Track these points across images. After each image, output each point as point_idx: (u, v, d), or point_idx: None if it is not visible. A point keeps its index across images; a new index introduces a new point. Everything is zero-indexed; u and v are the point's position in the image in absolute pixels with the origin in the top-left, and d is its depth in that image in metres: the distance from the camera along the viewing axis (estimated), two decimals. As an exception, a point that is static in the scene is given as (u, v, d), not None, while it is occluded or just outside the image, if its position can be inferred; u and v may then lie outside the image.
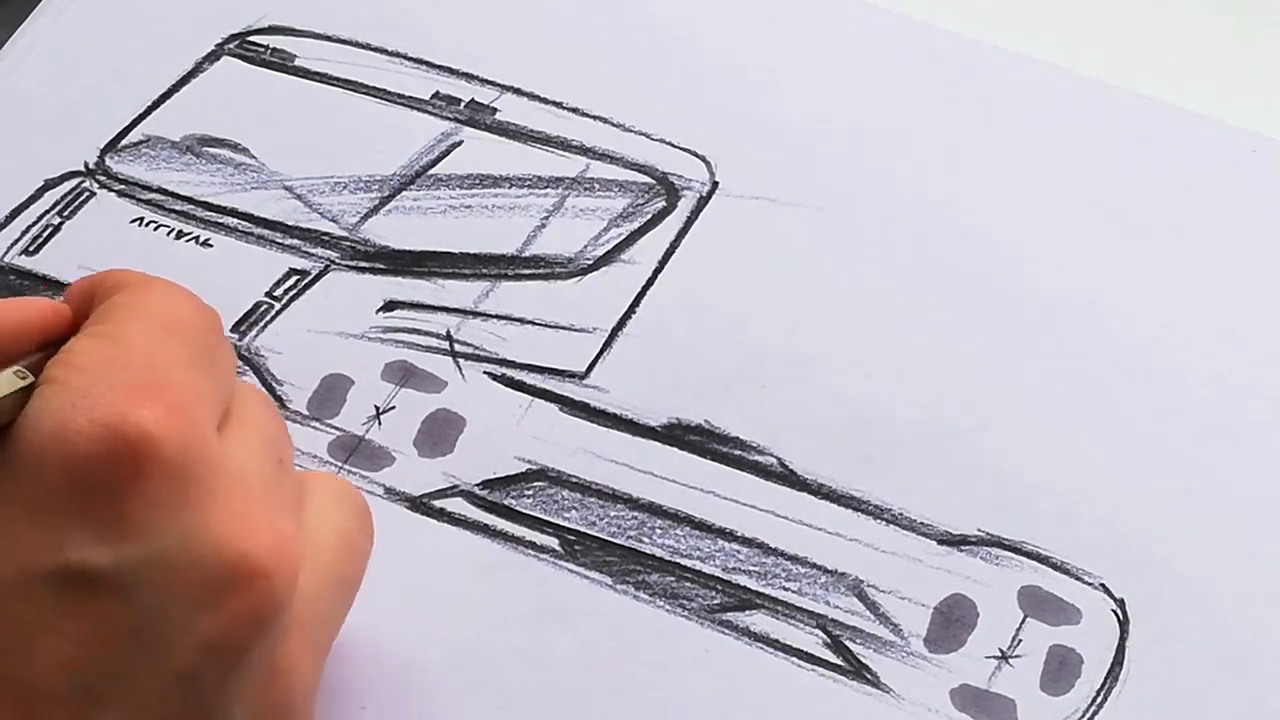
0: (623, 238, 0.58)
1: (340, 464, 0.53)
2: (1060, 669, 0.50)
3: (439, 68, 0.61)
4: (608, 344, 0.56)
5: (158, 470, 0.41)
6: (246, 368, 0.55)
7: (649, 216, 0.58)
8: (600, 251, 0.58)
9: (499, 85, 0.61)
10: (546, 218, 0.58)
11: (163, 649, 0.41)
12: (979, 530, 0.52)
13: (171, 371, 0.43)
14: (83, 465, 0.41)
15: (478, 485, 0.53)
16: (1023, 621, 0.51)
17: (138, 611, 0.41)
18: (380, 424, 0.54)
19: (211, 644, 0.42)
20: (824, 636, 0.51)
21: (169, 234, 0.58)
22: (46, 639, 0.41)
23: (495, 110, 0.61)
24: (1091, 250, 0.58)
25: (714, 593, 0.52)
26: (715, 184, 0.59)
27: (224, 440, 0.44)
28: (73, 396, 0.42)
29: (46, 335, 0.46)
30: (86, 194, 0.59)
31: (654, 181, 0.59)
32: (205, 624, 0.42)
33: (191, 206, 0.59)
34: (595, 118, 0.60)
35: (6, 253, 0.58)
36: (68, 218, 0.58)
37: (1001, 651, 0.51)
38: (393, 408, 0.54)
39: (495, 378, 0.55)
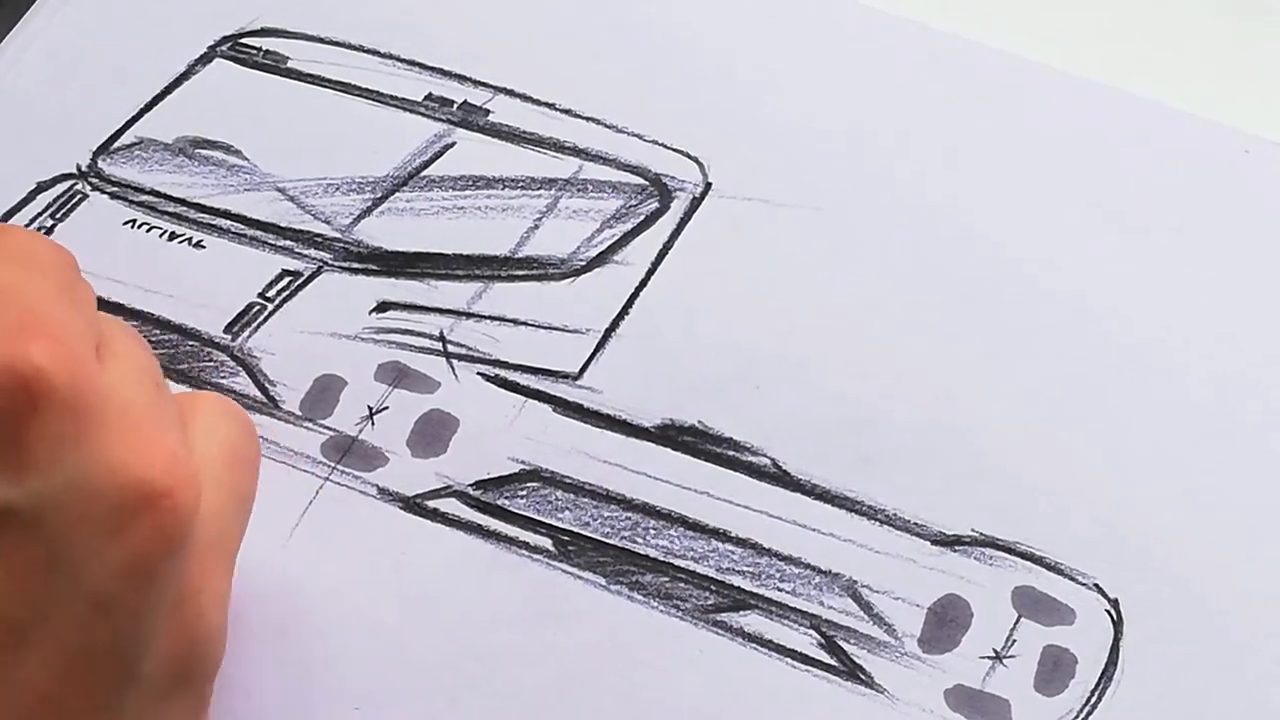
0: (616, 239, 0.58)
1: (334, 464, 0.53)
2: (1054, 669, 0.50)
3: (432, 69, 0.61)
4: (601, 345, 0.56)
5: (52, 404, 0.41)
6: (239, 368, 0.55)
7: (642, 218, 0.58)
8: (593, 253, 0.58)
9: (492, 87, 0.61)
10: (539, 219, 0.58)
11: (76, 578, 0.42)
12: (973, 531, 0.52)
13: (47, 308, 0.43)
14: None
15: (471, 486, 0.53)
16: (1017, 622, 0.51)
17: (48, 544, 0.42)
18: (373, 424, 0.54)
19: (123, 568, 0.42)
20: (818, 637, 0.51)
21: (161, 236, 0.58)
22: None
23: (488, 112, 0.60)
24: (1088, 251, 0.58)
25: (708, 593, 0.52)
26: (709, 185, 0.59)
27: (103, 371, 0.44)
28: None
29: None
30: (79, 196, 0.59)
31: (647, 183, 0.59)
32: (114, 549, 0.42)
33: (184, 208, 0.58)
34: (588, 119, 0.60)
35: (-1, 255, 0.57)
36: (60, 220, 0.58)
37: (996, 652, 0.51)
38: (386, 408, 0.54)
39: (488, 378, 0.55)
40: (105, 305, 0.56)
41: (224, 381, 0.55)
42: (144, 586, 0.43)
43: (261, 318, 0.56)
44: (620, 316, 0.56)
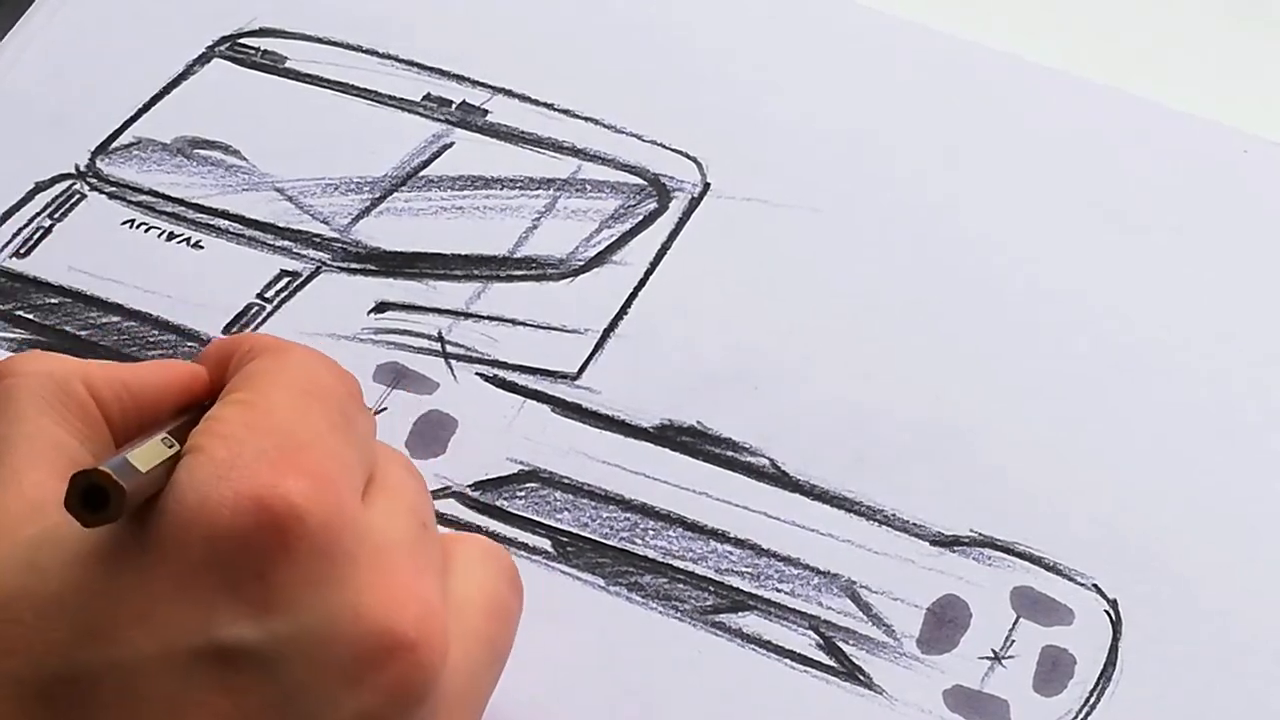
0: (614, 239, 0.58)
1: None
2: (1053, 670, 0.50)
3: (430, 70, 0.61)
4: (599, 345, 0.56)
5: (303, 544, 0.40)
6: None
7: (641, 218, 0.58)
8: (592, 253, 0.57)
9: (490, 87, 0.61)
10: (538, 219, 0.58)
11: None
12: (971, 531, 0.52)
13: (315, 440, 0.42)
14: (228, 540, 0.40)
15: (470, 486, 0.53)
16: (1015, 622, 0.51)
17: (284, 688, 0.40)
18: (372, 425, 0.54)
19: (358, 718, 0.41)
20: (817, 638, 0.51)
21: (160, 236, 0.58)
22: (192, 715, 0.40)
23: (486, 112, 0.60)
24: (1088, 251, 0.58)
25: (707, 594, 0.51)
26: (707, 185, 0.59)
27: (367, 508, 0.43)
28: (218, 468, 0.41)
29: (186, 399, 0.45)
30: (77, 196, 0.59)
31: (646, 183, 0.59)
32: (352, 701, 0.41)
33: (182, 208, 0.58)
34: (587, 119, 0.60)
35: (-3, 255, 0.58)
36: (59, 220, 0.58)
37: (994, 652, 0.50)
38: (384, 409, 0.54)
39: (487, 379, 0.55)
40: (104, 306, 0.56)
41: (222, 382, 0.55)
42: None
43: (260, 318, 0.56)
44: (619, 317, 0.56)
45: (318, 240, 0.58)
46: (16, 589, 0.41)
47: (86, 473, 0.39)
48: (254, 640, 0.40)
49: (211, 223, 0.58)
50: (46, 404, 0.45)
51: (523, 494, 0.53)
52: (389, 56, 0.62)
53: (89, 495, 0.39)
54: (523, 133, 0.60)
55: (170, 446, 0.42)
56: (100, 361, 0.47)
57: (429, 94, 0.61)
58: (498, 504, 0.53)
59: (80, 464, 0.43)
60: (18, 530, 0.42)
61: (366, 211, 0.58)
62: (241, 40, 0.62)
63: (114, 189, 0.59)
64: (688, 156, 0.59)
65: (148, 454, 0.41)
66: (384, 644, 0.41)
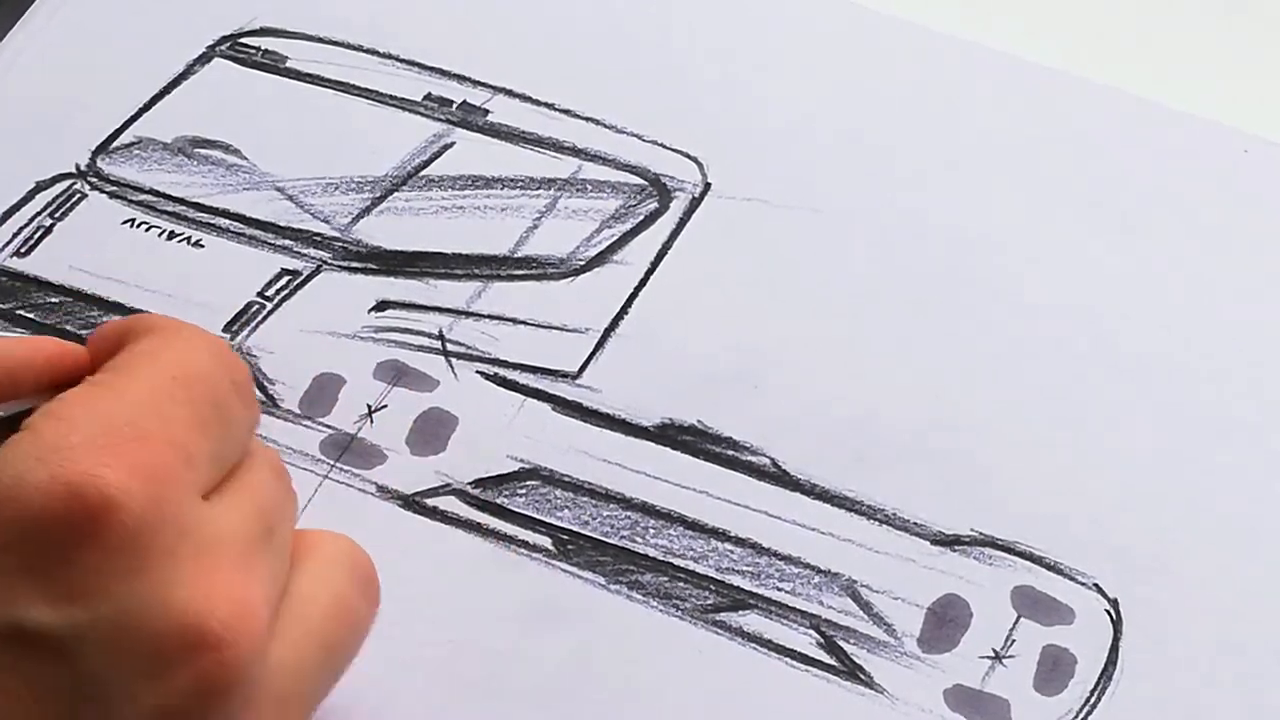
0: (615, 239, 0.58)
1: (332, 462, 0.53)
2: (1054, 669, 0.50)
3: (431, 69, 0.61)
4: (600, 344, 0.56)
5: (114, 534, 0.40)
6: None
7: (641, 218, 0.58)
8: (593, 252, 0.57)
9: (491, 87, 0.61)
10: (539, 219, 0.58)
11: (105, 716, 0.40)
12: (972, 530, 0.52)
13: (159, 429, 0.42)
14: (35, 523, 0.40)
15: (470, 484, 0.53)
16: (1016, 621, 0.51)
17: (79, 676, 0.40)
18: (372, 422, 0.54)
19: (156, 715, 0.40)
20: (818, 637, 0.51)
21: (160, 235, 0.58)
22: None
23: (487, 112, 0.60)
24: (1088, 251, 0.58)
25: (707, 593, 0.51)
26: (708, 185, 0.59)
27: (212, 503, 0.42)
28: (41, 449, 0.41)
29: (55, 377, 0.45)
30: (78, 195, 0.59)
31: (646, 183, 0.59)
32: (150, 694, 0.40)
33: (183, 207, 0.58)
34: (587, 119, 0.60)
35: (-3, 254, 0.58)
36: (59, 219, 0.58)
37: (995, 652, 0.50)
38: (385, 406, 0.54)
39: (488, 377, 0.55)
40: (105, 305, 0.56)
41: (223, 380, 0.55)
42: None
43: (260, 316, 0.56)
44: (619, 316, 0.56)
45: (318, 239, 0.58)
46: None
47: None
48: (52, 625, 0.40)
49: (212, 222, 0.58)
50: None
51: (523, 492, 0.53)
52: (390, 56, 0.62)
53: None
54: (523, 132, 0.60)
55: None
56: None
57: (430, 94, 0.61)
58: (498, 502, 0.53)
59: None
60: None
61: (367, 211, 0.58)
62: (242, 40, 0.62)
63: (115, 188, 0.59)
64: (688, 156, 0.59)
65: None
66: (188, 640, 0.40)
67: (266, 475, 0.45)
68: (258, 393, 0.54)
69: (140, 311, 0.56)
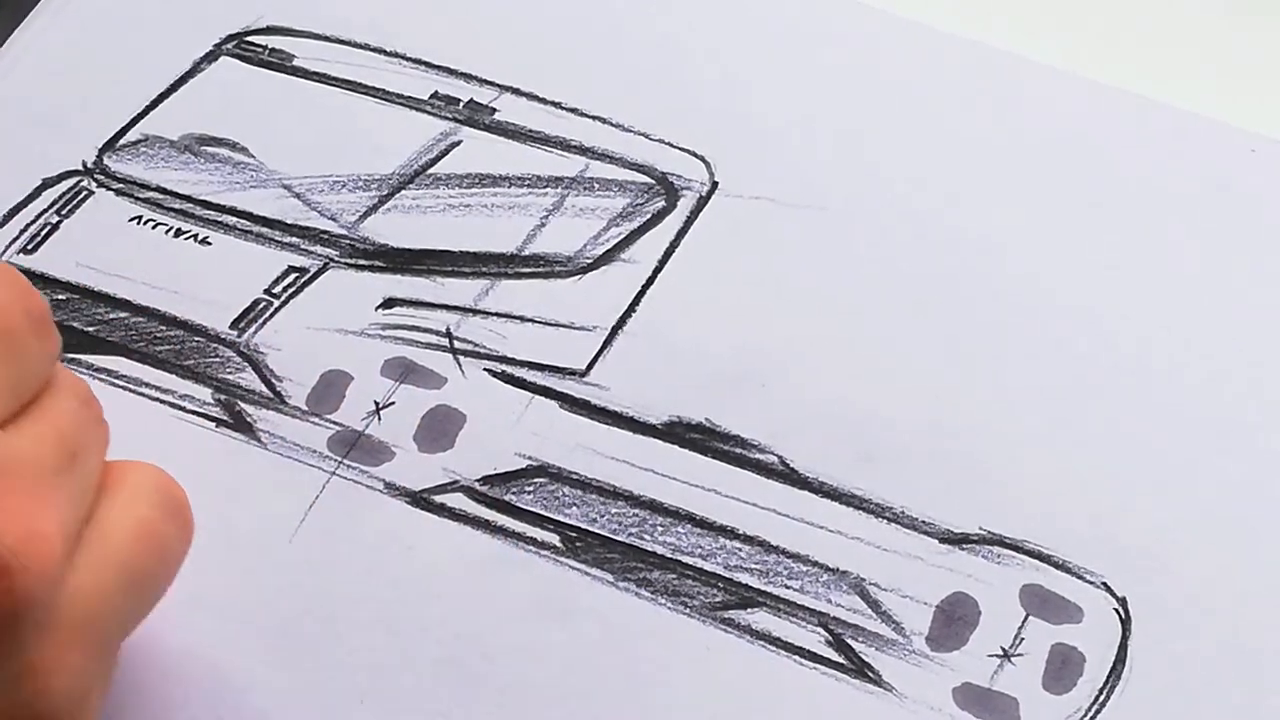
0: (622, 237, 0.58)
1: (340, 459, 0.53)
2: (1063, 668, 0.50)
3: (438, 68, 0.61)
4: (608, 342, 0.56)
5: None
6: (245, 364, 0.55)
7: (648, 216, 0.58)
8: (600, 250, 0.57)
9: (498, 85, 0.61)
10: (546, 217, 0.58)
11: None
12: (981, 529, 0.52)
13: None
14: None
15: (478, 481, 0.53)
16: (1025, 620, 0.51)
17: None
18: (380, 419, 0.54)
19: None
20: (826, 635, 0.51)
21: (167, 232, 0.58)
22: None
23: (494, 110, 0.60)
24: (1092, 251, 0.58)
25: (716, 590, 0.51)
26: (715, 184, 0.59)
27: (8, 431, 0.42)
28: None
29: None
30: (85, 193, 0.59)
31: (653, 181, 0.59)
32: None
33: (190, 205, 0.58)
34: (594, 118, 0.60)
35: (4, 251, 0.57)
36: (66, 216, 0.58)
37: (1004, 650, 0.50)
38: (392, 403, 0.54)
39: (495, 374, 0.55)
40: (111, 302, 0.56)
41: (230, 377, 0.55)
42: None
43: (268, 314, 0.56)
44: (627, 314, 0.56)
45: (326, 237, 0.58)
46: None
47: None
48: None
49: (219, 219, 0.58)
50: None
51: (531, 489, 0.53)
52: (396, 55, 0.62)
53: None
54: (530, 131, 0.60)
55: None
56: None
57: (437, 92, 0.61)
58: (506, 499, 0.53)
59: None
60: None
61: (375, 208, 0.58)
62: (249, 38, 0.62)
63: (121, 185, 0.59)
64: (695, 155, 0.59)
65: None
66: None
67: (70, 404, 0.45)
68: (265, 389, 0.54)
69: (148, 308, 0.56)
